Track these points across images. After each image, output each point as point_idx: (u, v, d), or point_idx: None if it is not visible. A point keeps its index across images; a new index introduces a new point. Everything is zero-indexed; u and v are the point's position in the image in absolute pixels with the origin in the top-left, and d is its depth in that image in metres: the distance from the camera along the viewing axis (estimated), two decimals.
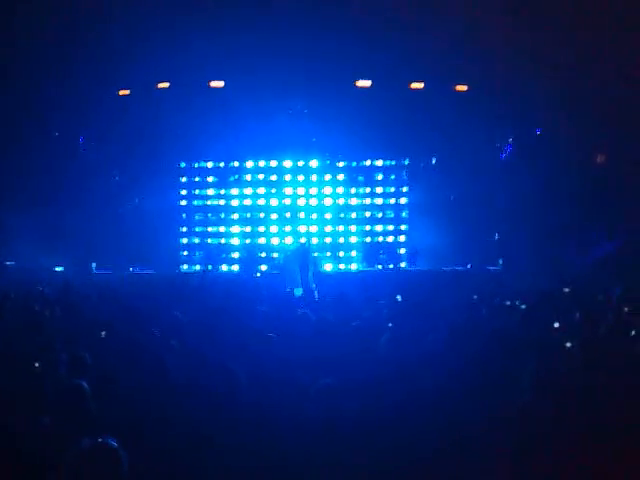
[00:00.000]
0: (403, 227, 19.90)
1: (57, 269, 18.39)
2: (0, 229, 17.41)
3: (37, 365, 4.16)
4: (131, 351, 5.41)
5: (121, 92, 16.90)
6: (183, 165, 20.68)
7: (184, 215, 20.71)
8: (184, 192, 20.70)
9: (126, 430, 3.19)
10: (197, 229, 20.61)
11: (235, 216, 20.38)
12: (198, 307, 8.23)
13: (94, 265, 18.84)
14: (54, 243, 17.83)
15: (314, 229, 19.87)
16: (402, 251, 19.64)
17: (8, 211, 17.42)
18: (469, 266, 17.13)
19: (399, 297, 9.49)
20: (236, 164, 20.38)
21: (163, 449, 3.55)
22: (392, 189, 20.00)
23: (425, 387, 4.25)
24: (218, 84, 16.52)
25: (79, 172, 18.70)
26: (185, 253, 20.49)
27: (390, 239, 19.86)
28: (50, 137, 18.12)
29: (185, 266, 20.18)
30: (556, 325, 6.23)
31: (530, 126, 17.84)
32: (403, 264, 19.20)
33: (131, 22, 12.87)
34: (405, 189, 19.93)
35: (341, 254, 19.69)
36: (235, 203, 20.39)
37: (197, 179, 20.69)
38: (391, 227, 19.94)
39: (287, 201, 20.13)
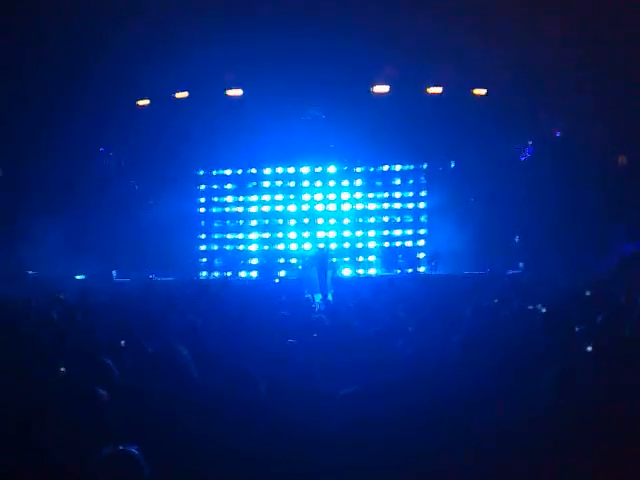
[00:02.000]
0: (422, 231, 19.83)
1: (78, 277, 18.59)
2: (22, 239, 17.65)
3: (62, 370, 4.20)
4: (150, 358, 5.45)
5: (140, 102, 17.08)
6: (201, 173, 20.90)
7: (203, 222, 20.90)
8: (203, 200, 20.92)
9: (146, 437, 3.20)
10: (216, 236, 20.77)
11: (253, 223, 20.50)
12: (217, 313, 8.25)
13: (115, 273, 19.03)
14: (75, 252, 18.02)
15: (332, 234, 19.89)
16: (421, 255, 19.57)
17: (30, 221, 17.67)
18: (488, 270, 16.99)
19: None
20: (254, 171, 20.53)
21: (182, 455, 3.55)
22: (410, 194, 19.97)
23: (443, 392, 4.21)
24: (236, 92, 16.61)
25: (99, 182, 18.92)
26: (204, 260, 20.60)
27: (409, 244, 19.80)
28: (70, 147, 18.35)
29: (204, 273, 20.29)
30: (577, 329, 6.14)
31: (550, 128, 17.67)
32: (422, 268, 19.12)
33: (149, 33, 13.01)
34: (424, 193, 19.88)
35: (360, 259, 19.66)
36: (253, 210, 20.52)
37: (215, 186, 20.89)
38: (410, 231, 19.88)
39: (305, 207, 20.19)
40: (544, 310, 7.44)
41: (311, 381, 4.18)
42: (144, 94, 16.95)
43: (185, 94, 16.68)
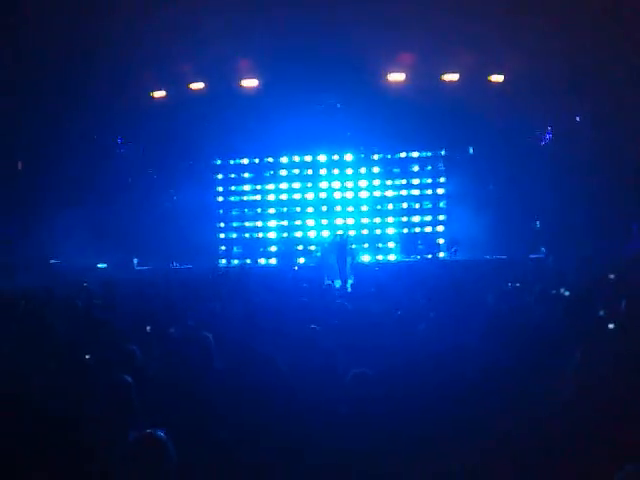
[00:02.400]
0: (441, 217, 19.75)
1: (100, 266, 18.82)
2: (45, 229, 17.87)
3: (87, 357, 4.26)
4: (175, 343, 5.51)
5: (156, 93, 17.12)
6: (219, 162, 20.98)
7: (221, 211, 20.99)
8: (221, 189, 21.01)
9: (170, 421, 3.24)
10: (234, 224, 20.86)
11: (272, 211, 20.56)
12: (238, 300, 8.30)
13: (136, 261, 19.23)
14: (97, 241, 18.21)
15: (351, 221, 19.89)
16: (441, 241, 19.51)
17: (53, 211, 17.88)
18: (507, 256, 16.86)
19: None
20: (271, 160, 20.57)
21: (205, 438, 3.59)
22: (429, 180, 19.88)
23: (465, 377, 4.20)
24: (251, 83, 16.56)
25: (118, 172, 19.07)
26: (223, 248, 20.73)
27: (428, 229, 19.74)
28: (90, 139, 18.50)
29: (223, 260, 20.43)
30: (601, 313, 6.08)
31: (569, 113, 17.42)
32: (442, 254, 19.06)
33: (165, 24, 13.00)
34: (442, 179, 19.78)
35: (379, 245, 19.65)
36: (271, 198, 20.57)
37: (233, 175, 20.96)
38: (429, 218, 19.80)
39: (323, 195, 20.20)
40: (567, 294, 7.38)
41: (334, 366, 4.20)
42: (160, 85, 16.97)
43: (201, 85, 16.67)
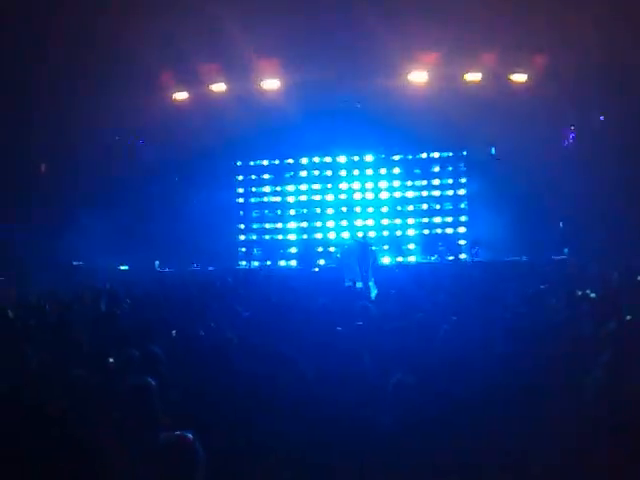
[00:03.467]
0: (462, 218, 19.60)
1: (122, 268, 18.98)
2: (67, 231, 18.05)
3: (111, 361, 4.28)
4: (195, 346, 5.51)
5: (177, 95, 17.22)
6: (239, 164, 21.05)
7: (241, 212, 21.06)
8: (241, 190, 21.10)
9: (193, 423, 3.23)
10: (254, 226, 20.92)
11: (292, 212, 20.59)
12: (260, 301, 8.31)
13: (157, 263, 19.36)
14: (119, 243, 18.38)
15: (371, 223, 19.82)
16: (462, 243, 19.36)
17: (75, 214, 18.07)
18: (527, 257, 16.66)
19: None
20: (291, 161, 20.61)
21: (229, 441, 3.58)
22: (450, 181, 19.75)
23: (490, 381, 4.14)
24: (273, 84, 16.58)
25: (140, 174, 19.22)
26: (243, 250, 20.80)
27: (449, 231, 19.60)
28: (111, 141, 18.67)
29: (243, 262, 20.49)
30: (628, 318, 5.97)
31: (593, 112, 17.17)
32: (463, 255, 18.92)
33: (186, 26, 13.06)
34: (464, 180, 19.64)
35: (399, 247, 19.56)
36: (291, 199, 20.60)
37: (253, 177, 21.03)
38: (450, 219, 19.67)
39: (343, 196, 20.18)
40: (593, 295, 7.27)
41: (358, 368, 4.16)
42: (181, 87, 17.08)
43: (222, 87, 16.73)
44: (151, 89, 16.21)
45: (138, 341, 5.28)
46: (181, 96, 17.24)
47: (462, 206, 19.66)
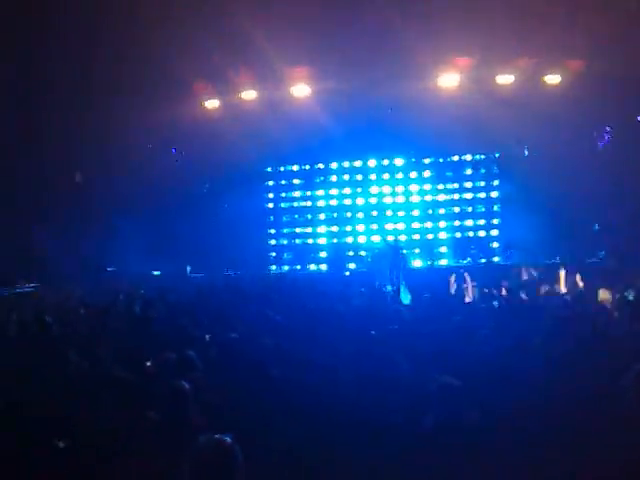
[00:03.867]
0: (495, 221, 19.35)
1: (155, 273, 19.22)
2: (102, 238, 18.35)
3: (148, 364, 4.32)
4: (230, 351, 5.52)
5: (208, 103, 17.39)
6: (269, 170, 21.16)
7: (272, 217, 21.16)
8: (271, 195, 21.20)
9: (228, 427, 3.22)
10: (285, 230, 20.97)
11: (322, 216, 20.60)
12: (291, 306, 8.30)
13: (189, 268, 19.54)
14: (152, 249, 18.61)
15: (402, 226, 19.70)
16: (495, 245, 19.11)
17: (109, 221, 18.37)
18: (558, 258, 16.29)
19: None
20: (321, 166, 20.63)
21: (266, 446, 3.56)
22: (482, 183, 19.51)
23: (530, 385, 4.05)
24: (303, 90, 16.61)
25: (172, 181, 19.43)
26: (273, 254, 20.87)
27: (482, 234, 19.37)
28: (144, 149, 18.94)
29: (274, 267, 20.55)
30: None
31: (629, 113, 16.78)
32: (496, 258, 18.66)
33: (217, 35, 13.17)
34: (496, 182, 19.39)
35: (431, 250, 19.39)
36: (321, 204, 20.62)
37: (283, 182, 21.11)
38: (482, 221, 19.42)
39: (373, 200, 20.12)
40: (631, 297, 7.09)
41: (395, 372, 4.11)
42: (212, 95, 17.23)
43: (253, 94, 16.84)
44: (183, 98, 16.40)
45: (173, 345, 5.32)
46: (212, 104, 17.40)
47: (495, 209, 19.41)
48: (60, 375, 4.23)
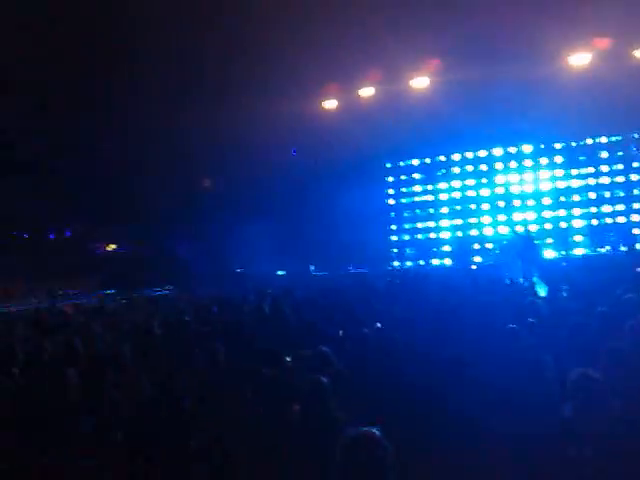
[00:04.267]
0: (636, 206, 17.86)
1: (279, 273, 19.78)
2: (230, 241, 19.19)
3: (288, 360, 4.40)
4: (363, 347, 5.49)
5: (326, 103, 17.58)
6: (389, 165, 21.02)
7: (392, 214, 21.00)
8: (392, 191, 21.07)
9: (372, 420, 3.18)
10: (406, 226, 20.76)
11: (444, 210, 20.13)
12: (421, 302, 8.14)
13: (312, 267, 19.91)
14: (276, 250, 19.19)
15: (532, 216, 18.76)
16: (636, 232, 17.64)
17: (236, 224, 19.16)
18: None
19: None
20: (443, 158, 20.17)
21: (408, 439, 3.46)
22: (620, 166, 18.11)
23: None
24: (422, 82, 16.29)
25: (294, 182, 19.88)
26: (395, 250, 20.71)
27: (621, 220, 17.96)
28: (267, 152, 19.46)
29: (396, 263, 20.38)
30: None
31: None
32: (639, 245, 17.22)
33: (338, 34, 13.22)
34: (636, 164, 17.92)
35: (565, 239, 18.29)
36: (444, 197, 20.16)
37: (404, 177, 20.91)
38: (621, 207, 18.02)
39: (499, 190, 19.34)
40: None
41: (539, 365, 3.87)
42: (331, 95, 17.39)
43: (371, 91, 16.78)
44: (303, 100, 16.67)
45: (306, 341, 5.39)
46: (331, 104, 17.59)
47: (636, 192, 17.93)
48: (208, 369, 4.43)
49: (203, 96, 15.25)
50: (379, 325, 6.41)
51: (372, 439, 2.43)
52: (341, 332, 5.87)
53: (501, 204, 19.26)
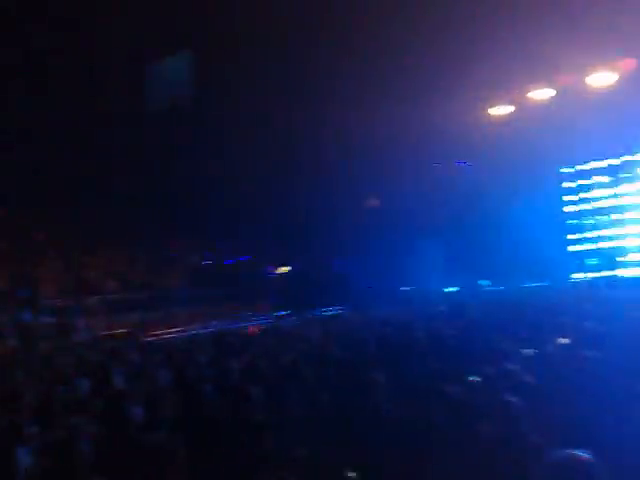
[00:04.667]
0: None
1: (451, 289, 19.31)
2: (400, 259, 19.16)
3: (473, 379, 4.25)
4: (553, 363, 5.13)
5: (493, 109, 16.94)
6: (565, 170, 19.71)
7: (572, 222, 19.64)
8: (569, 198, 19.81)
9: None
10: (587, 234, 19.20)
11: (630, 215, 18.30)
12: (614, 315, 7.43)
13: (486, 282, 19.17)
14: (446, 266, 18.83)
15: None
16: None
17: (406, 240, 19.11)
18: None
19: None
20: (628, 158, 18.37)
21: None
22: None
23: None
24: (607, 78, 14.97)
25: (463, 197, 19.35)
26: (577, 261, 19.23)
27: None
28: (428, 165, 19.13)
29: (579, 275, 18.89)
30: None
31: None
32: None
33: (505, 41, 12.76)
34: None
35: None
36: (629, 201, 18.37)
37: (581, 182, 19.48)
38: None
39: None
40: None
41: None
42: (501, 102, 16.73)
43: (543, 93, 15.84)
44: (473, 107, 16.19)
45: (491, 358, 5.14)
46: (498, 111, 16.93)
47: None
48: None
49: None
50: (566, 341, 5.93)
51: (582, 464, 2.19)
52: (532, 350, 5.54)
53: None
